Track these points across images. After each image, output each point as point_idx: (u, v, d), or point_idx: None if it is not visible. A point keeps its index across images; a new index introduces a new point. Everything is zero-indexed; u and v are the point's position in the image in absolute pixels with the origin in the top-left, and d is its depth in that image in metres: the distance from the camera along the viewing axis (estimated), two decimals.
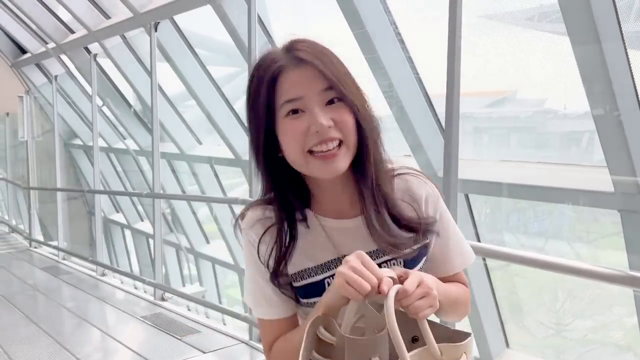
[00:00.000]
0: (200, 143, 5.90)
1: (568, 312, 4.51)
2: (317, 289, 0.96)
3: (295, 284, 1.00)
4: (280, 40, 0.98)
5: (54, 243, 7.08)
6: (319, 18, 4.68)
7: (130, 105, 6.57)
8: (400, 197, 1.00)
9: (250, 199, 3.34)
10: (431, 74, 3.14)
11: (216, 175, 6.05)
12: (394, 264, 0.99)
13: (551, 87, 3.56)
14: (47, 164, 7.66)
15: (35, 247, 7.50)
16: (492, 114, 4.48)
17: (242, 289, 5.64)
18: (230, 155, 5.00)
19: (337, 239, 0.99)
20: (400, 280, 0.86)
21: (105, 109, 6.79)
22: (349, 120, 0.92)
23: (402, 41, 3.10)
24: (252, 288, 1.03)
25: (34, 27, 6.26)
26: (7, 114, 8.71)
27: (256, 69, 0.96)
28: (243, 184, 5.49)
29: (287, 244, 0.99)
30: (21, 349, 3.76)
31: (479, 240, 3.32)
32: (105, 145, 7.07)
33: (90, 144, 6.41)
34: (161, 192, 5.10)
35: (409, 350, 0.84)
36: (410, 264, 1.00)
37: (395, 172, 1.02)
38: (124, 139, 6.92)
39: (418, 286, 0.85)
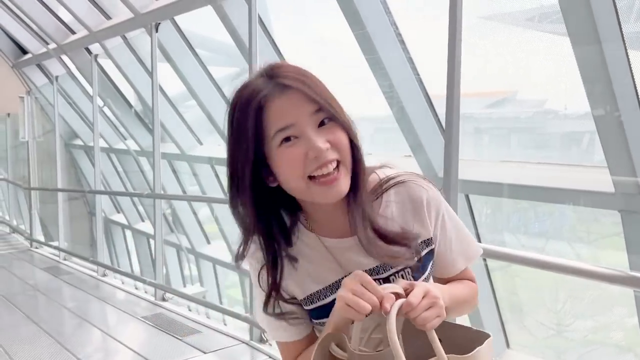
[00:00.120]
0: (200, 143, 5.91)
1: (569, 313, 4.51)
2: (328, 310, 0.94)
3: (306, 308, 1.01)
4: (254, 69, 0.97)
5: (55, 243, 7.09)
6: (320, 18, 4.68)
7: (131, 106, 6.57)
8: (401, 205, 1.00)
9: None
10: (431, 74, 3.14)
11: (217, 175, 6.06)
12: (401, 276, 0.99)
13: (552, 87, 3.56)
14: (48, 164, 7.67)
15: (36, 248, 7.51)
16: (492, 115, 4.48)
17: (243, 289, 5.64)
18: None
19: (342, 258, 0.99)
20: (407, 292, 0.86)
21: (106, 109, 6.80)
22: (343, 139, 0.92)
23: (402, 42, 3.10)
24: (270, 319, 1.03)
25: (34, 27, 6.27)
26: (8, 114, 8.72)
27: (237, 102, 0.92)
28: None
29: (277, 279, 0.99)
30: (22, 349, 3.76)
31: (479, 241, 3.32)
32: (106, 145, 7.07)
33: (91, 144, 6.41)
34: (162, 192, 5.11)
35: (431, 355, 0.85)
36: (418, 271, 1.00)
37: (396, 180, 1.01)
38: (125, 139, 6.93)
39: (424, 297, 0.85)
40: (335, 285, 0.98)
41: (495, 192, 3.32)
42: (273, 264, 0.98)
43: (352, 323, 0.87)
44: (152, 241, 6.32)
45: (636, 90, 2.18)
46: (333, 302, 0.92)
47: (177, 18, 4.61)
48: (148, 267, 7.51)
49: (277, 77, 0.90)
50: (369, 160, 1.05)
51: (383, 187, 1.00)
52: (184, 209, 6.65)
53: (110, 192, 7.48)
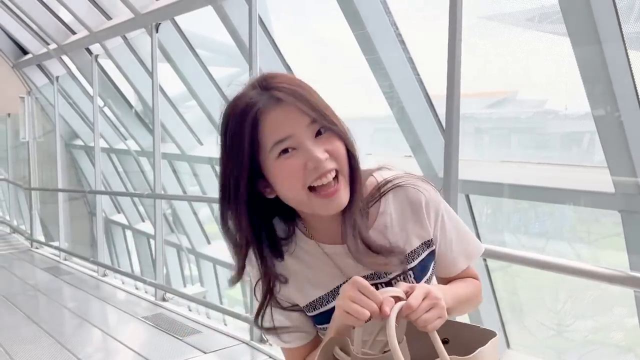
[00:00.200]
0: (201, 143, 5.91)
1: (569, 313, 4.51)
2: (331, 315, 0.95)
3: (309, 314, 1.02)
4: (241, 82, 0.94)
5: (55, 244, 7.09)
6: (320, 18, 4.69)
7: (131, 106, 6.58)
8: (400, 208, 1.00)
9: None
10: (432, 74, 3.15)
11: (217, 175, 6.06)
12: (403, 278, 0.99)
13: (552, 87, 3.56)
14: (49, 164, 7.67)
15: (37, 248, 7.51)
16: (492, 115, 4.48)
17: (243, 289, 5.64)
18: None
19: (342, 263, 0.99)
20: (407, 295, 0.86)
21: (106, 109, 6.80)
22: (341, 148, 0.92)
23: (402, 42, 3.10)
24: (268, 320, 1.03)
25: (35, 27, 6.27)
26: (9, 114, 8.72)
27: (230, 115, 0.91)
28: None
29: (271, 291, 0.99)
30: (23, 349, 3.76)
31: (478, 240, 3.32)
32: (106, 145, 7.08)
33: (92, 144, 6.41)
34: (162, 192, 5.11)
35: (434, 356, 0.85)
36: (419, 272, 1.01)
37: (394, 183, 1.00)
38: (125, 139, 6.93)
39: (425, 299, 0.85)
40: (337, 291, 0.98)
41: (495, 192, 3.32)
42: (267, 276, 0.98)
43: (354, 328, 0.87)
44: (152, 241, 6.32)
45: (636, 91, 2.18)
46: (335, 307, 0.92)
47: (178, 18, 4.62)
48: (148, 267, 7.52)
49: (271, 88, 0.90)
50: (368, 161, 1.05)
51: (381, 191, 1.00)
52: (184, 209, 6.66)
53: (110, 192, 7.48)
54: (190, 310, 4.49)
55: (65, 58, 6.40)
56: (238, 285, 1.03)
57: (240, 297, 6.29)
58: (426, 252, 1.01)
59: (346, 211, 0.94)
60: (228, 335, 3.76)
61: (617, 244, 2.86)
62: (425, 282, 1.01)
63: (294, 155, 0.89)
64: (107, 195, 7.52)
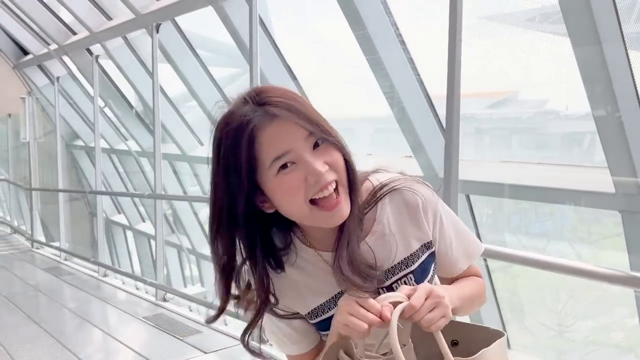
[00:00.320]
0: (201, 144, 5.91)
1: (570, 313, 4.50)
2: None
3: (311, 322, 1.02)
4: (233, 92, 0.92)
5: (56, 244, 7.09)
6: (320, 19, 4.69)
7: (131, 107, 6.58)
8: (397, 212, 0.99)
9: None
10: (432, 74, 3.15)
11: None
12: (404, 282, 0.99)
13: (552, 88, 3.56)
14: (49, 165, 7.67)
15: (37, 248, 7.52)
16: (493, 115, 4.48)
17: None
18: None
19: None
20: (410, 297, 0.86)
21: (107, 110, 6.80)
22: (339, 159, 0.91)
23: (403, 42, 3.10)
24: (271, 328, 1.04)
25: (35, 28, 6.28)
26: (9, 115, 8.72)
27: (224, 132, 0.89)
28: None
29: (259, 313, 0.99)
30: (23, 348, 3.77)
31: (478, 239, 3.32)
32: (107, 146, 7.08)
33: (92, 145, 6.41)
34: (163, 193, 5.11)
35: (440, 358, 0.85)
36: (420, 274, 1.00)
37: (390, 187, 0.99)
38: (126, 140, 6.93)
39: (427, 298, 0.85)
40: (337, 297, 0.98)
41: (496, 192, 3.32)
42: (261, 296, 0.97)
43: None
44: (153, 242, 6.32)
45: (636, 91, 2.18)
46: None
47: (178, 19, 4.62)
48: (149, 267, 7.52)
49: (265, 104, 0.88)
50: (368, 161, 1.05)
51: (377, 195, 0.99)
52: (184, 209, 6.66)
53: (111, 192, 7.48)
54: (190, 310, 4.49)
55: (65, 58, 6.40)
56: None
57: None
58: (426, 254, 1.01)
59: (344, 221, 0.93)
60: (228, 335, 3.76)
61: (617, 244, 2.86)
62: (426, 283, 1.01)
63: (294, 170, 0.88)
64: (107, 196, 7.52)
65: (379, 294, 0.93)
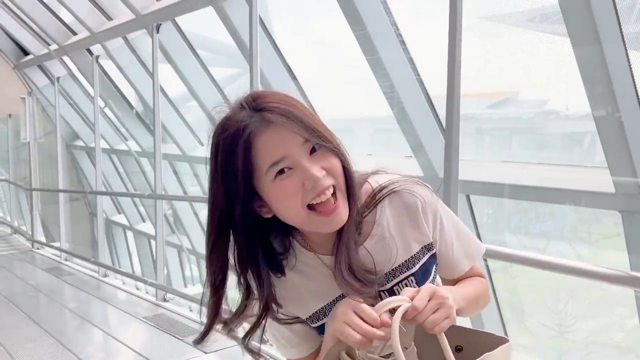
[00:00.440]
0: (202, 144, 5.92)
1: (570, 314, 4.50)
2: None
3: (313, 325, 1.02)
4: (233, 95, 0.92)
5: (56, 244, 7.09)
6: (320, 19, 4.69)
7: (132, 107, 6.58)
8: (397, 214, 0.99)
9: None
10: (432, 75, 3.15)
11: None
12: (405, 284, 0.99)
13: (553, 88, 3.56)
14: (49, 165, 7.68)
15: (38, 249, 7.52)
16: (493, 115, 4.48)
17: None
18: None
19: None
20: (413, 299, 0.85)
21: (107, 110, 6.81)
22: (337, 164, 0.91)
23: (403, 42, 3.10)
24: (272, 331, 1.04)
25: (36, 28, 6.28)
26: (10, 115, 8.73)
27: (221, 138, 0.89)
28: None
29: (262, 317, 0.99)
30: (23, 348, 3.77)
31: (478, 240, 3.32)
32: (107, 146, 7.09)
33: (92, 145, 6.41)
34: (163, 193, 5.11)
35: None
36: (421, 275, 1.00)
37: (389, 189, 0.99)
38: (126, 140, 6.94)
39: (431, 299, 0.84)
40: (338, 300, 0.98)
41: (496, 192, 3.32)
42: (264, 300, 0.97)
43: None
44: (153, 242, 6.32)
45: (636, 91, 2.18)
46: None
47: (178, 19, 4.62)
48: (149, 267, 7.52)
49: (262, 109, 0.88)
50: (368, 162, 1.05)
51: (376, 198, 0.99)
52: (185, 209, 6.66)
53: (111, 192, 7.48)
54: (191, 310, 4.49)
55: (66, 59, 6.40)
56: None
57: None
58: (427, 256, 1.01)
59: (342, 226, 0.93)
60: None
61: (618, 244, 2.86)
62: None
63: (291, 175, 0.88)
64: (107, 196, 7.52)
65: (380, 297, 0.94)
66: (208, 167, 0.93)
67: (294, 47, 4.22)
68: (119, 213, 8.06)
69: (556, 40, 2.67)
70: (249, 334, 1.00)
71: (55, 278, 5.90)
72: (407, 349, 0.84)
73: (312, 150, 0.89)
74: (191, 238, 6.75)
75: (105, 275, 5.75)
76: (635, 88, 2.17)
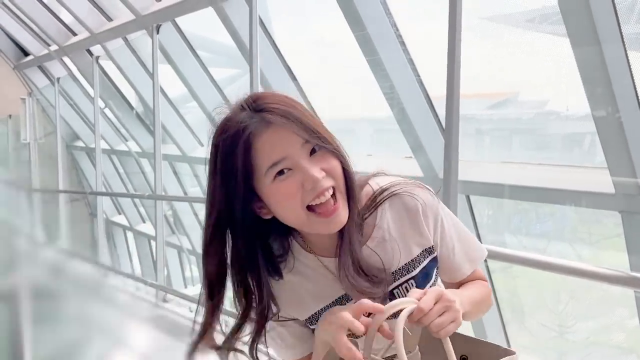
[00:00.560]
0: (202, 145, 5.92)
1: (570, 314, 4.50)
2: None
3: (311, 327, 1.01)
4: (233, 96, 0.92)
5: (57, 244, 7.11)
6: (320, 19, 4.69)
7: (131, 107, 6.59)
8: (397, 217, 0.98)
9: None
10: (432, 75, 3.15)
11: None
12: (405, 288, 0.98)
13: (553, 88, 3.56)
14: (50, 165, 7.68)
15: (39, 249, 7.52)
16: (493, 116, 4.48)
17: None
18: None
19: None
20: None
21: (107, 111, 6.81)
22: (337, 165, 0.91)
23: (403, 43, 3.10)
24: (270, 333, 1.01)
25: (36, 29, 6.28)
26: (10, 116, 8.73)
27: (221, 139, 0.90)
28: None
29: (262, 323, 0.98)
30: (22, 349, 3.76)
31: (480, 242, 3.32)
32: (107, 147, 7.09)
33: (93, 146, 6.42)
34: (163, 193, 5.12)
35: None
36: (422, 279, 0.99)
37: (390, 192, 0.99)
38: (126, 140, 6.94)
39: (437, 302, 0.83)
40: (338, 302, 0.98)
41: (496, 193, 3.32)
42: (262, 305, 0.96)
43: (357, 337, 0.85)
44: (153, 242, 6.33)
45: (636, 92, 2.18)
46: None
47: (178, 19, 4.63)
48: (149, 268, 7.52)
49: (262, 110, 0.88)
50: (368, 162, 1.05)
51: (377, 200, 0.99)
52: (185, 210, 6.67)
53: (111, 193, 7.49)
54: (191, 311, 4.49)
55: (66, 59, 6.41)
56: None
57: None
58: (427, 260, 1.00)
59: (343, 227, 0.93)
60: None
61: (618, 245, 2.86)
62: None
63: (291, 176, 0.88)
64: (107, 197, 7.52)
65: (388, 298, 0.92)
66: (207, 167, 0.93)
67: (293, 47, 4.23)
68: (119, 214, 8.07)
69: (556, 40, 2.67)
70: (254, 342, 0.99)
71: (55, 279, 5.90)
72: (410, 352, 0.83)
73: (312, 152, 0.89)
74: (191, 239, 6.76)
75: (106, 276, 5.75)
76: (635, 89, 2.17)
